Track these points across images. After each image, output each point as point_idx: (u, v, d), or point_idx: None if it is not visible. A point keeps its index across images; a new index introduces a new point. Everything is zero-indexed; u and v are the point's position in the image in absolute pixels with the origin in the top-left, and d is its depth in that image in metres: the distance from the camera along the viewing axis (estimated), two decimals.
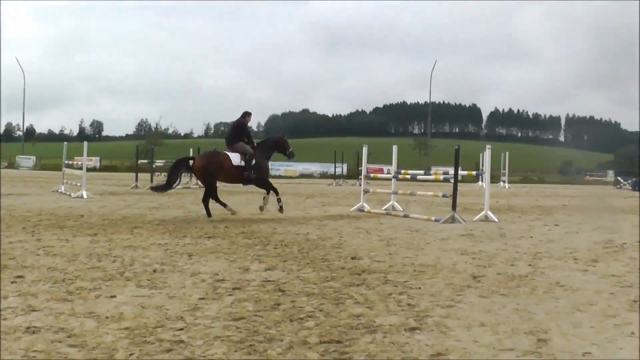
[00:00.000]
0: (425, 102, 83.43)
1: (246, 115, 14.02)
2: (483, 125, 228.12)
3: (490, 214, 12.68)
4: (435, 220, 12.10)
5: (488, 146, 13.78)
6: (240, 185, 14.21)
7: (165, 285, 5.36)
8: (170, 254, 7.24)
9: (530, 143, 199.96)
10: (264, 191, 13.33)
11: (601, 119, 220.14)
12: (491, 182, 15.15)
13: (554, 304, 4.94)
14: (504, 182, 37.22)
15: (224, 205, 13.02)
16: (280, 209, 13.28)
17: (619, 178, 44.80)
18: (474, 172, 18.03)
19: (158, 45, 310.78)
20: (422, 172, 16.34)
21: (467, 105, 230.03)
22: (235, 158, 13.03)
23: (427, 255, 7.60)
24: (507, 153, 37.96)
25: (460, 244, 8.89)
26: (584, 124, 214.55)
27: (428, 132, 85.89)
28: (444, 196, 13.31)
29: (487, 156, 13.57)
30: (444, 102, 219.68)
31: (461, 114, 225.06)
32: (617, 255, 7.89)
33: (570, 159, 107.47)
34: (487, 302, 4.96)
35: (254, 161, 13.18)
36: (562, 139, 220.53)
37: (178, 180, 13.31)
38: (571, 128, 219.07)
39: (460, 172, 14.25)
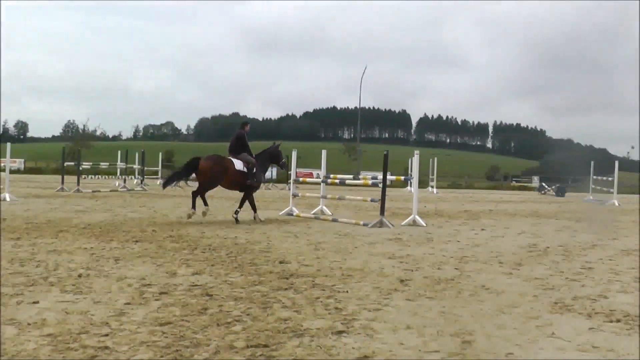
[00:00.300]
0: (355, 107, 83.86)
1: (244, 125, 14.74)
2: (412, 130, 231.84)
3: (418, 218, 12.84)
4: (364, 225, 12.20)
5: (416, 152, 13.97)
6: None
7: (91, 290, 5.23)
8: (96, 258, 7.07)
9: (458, 149, 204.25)
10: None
11: (527, 126, 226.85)
12: (420, 187, 15.34)
13: (479, 306, 5.04)
14: (432, 187, 37.75)
15: (206, 204, 13.26)
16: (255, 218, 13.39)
17: (544, 184, 46.12)
18: (403, 177, 18.22)
19: (86, 45, 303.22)
20: (351, 176, 16.40)
21: (397, 111, 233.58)
22: (239, 164, 13.55)
23: (355, 259, 7.65)
24: (435, 158, 38.56)
25: (388, 248, 8.98)
26: (511, 131, 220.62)
27: (357, 137, 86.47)
28: (372, 201, 13.44)
29: (415, 161, 13.74)
30: (374, 107, 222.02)
31: (391, 119, 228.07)
32: (540, 259, 8.11)
33: (497, 165, 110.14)
34: (414, 305, 5.02)
35: (254, 170, 13.72)
36: (489, 145, 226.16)
37: (182, 178, 13.66)
38: (499, 135, 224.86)
39: (389, 177, 14.41)
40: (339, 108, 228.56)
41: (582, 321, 4.64)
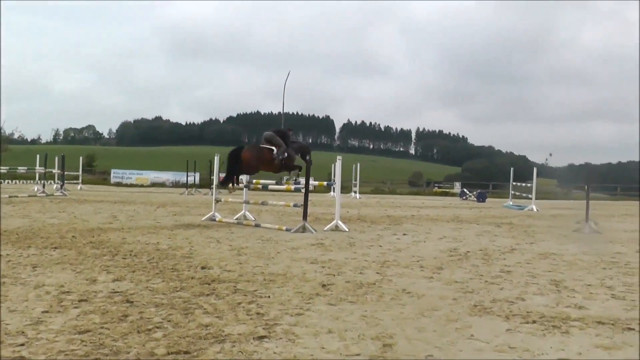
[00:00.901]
0: (279, 112, 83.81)
1: (290, 129, 16.17)
2: (336, 136, 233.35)
3: (340, 223, 12.94)
4: (287, 230, 12.21)
5: (339, 157, 14.12)
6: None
7: (6, 298, 5.06)
8: (12, 266, 6.86)
9: (382, 155, 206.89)
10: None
11: (450, 133, 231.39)
12: (343, 192, 15.46)
13: (400, 310, 5.12)
14: (355, 192, 38.07)
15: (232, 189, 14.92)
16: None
17: (465, 190, 46.97)
18: (326, 183, 18.37)
19: (3, 45, 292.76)
20: (274, 182, 16.37)
21: (321, 117, 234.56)
22: (275, 151, 14.73)
23: (278, 264, 7.67)
24: (358, 164, 38.93)
25: (310, 253, 9.02)
26: (433, 137, 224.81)
27: None
28: (295, 206, 13.46)
29: (338, 167, 13.86)
30: (297, 113, 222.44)
31: (315, 125, 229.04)
32: (460, 263, 8.28)
33: (420, 171, 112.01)
34: (336, 310, 5.06)
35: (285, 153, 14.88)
36: (412, 151, 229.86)
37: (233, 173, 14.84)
38: (421, 141, 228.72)
39: (312, 183, 14.49)
40: (262, 113, 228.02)
41: (500, 323, 4.77)
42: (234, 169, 14.81)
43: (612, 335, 4.50)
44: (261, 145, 15.14)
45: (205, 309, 4.90)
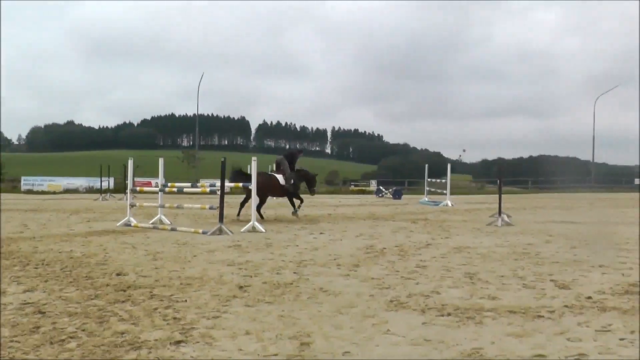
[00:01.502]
0: (194, 114, 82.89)
1: (299, 151, 19.75)
2: (252, 137, 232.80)
3: (257, 224, 12.92)
4: (203, 233, 12.10)
5: (254, 158, 14.07)
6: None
7: None
8: None
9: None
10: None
11: (365, 131, 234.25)
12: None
13: (317, 308, 5.15)
14: None
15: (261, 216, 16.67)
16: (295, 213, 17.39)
17: (381, 187, 47.46)
18: (242, 184, 18.24)
19: None
20: (189, 184, 16.21)
21: (236, 118, 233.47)
22: (280, 178, 17.36)
23: (194, 268, 7.59)
24: (274, 165, 38.94)
25: (227, 255, 8.97)
26: (349, 136, 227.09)
27: (196, 145, 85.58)
28: (211, 208, 13.35)
29: (253, 168, 13.84)
30: (213, 114, 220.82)
31: (230, 126, 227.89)
32: (377, 260, 8.36)
33: (336, 170, 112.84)
34: (253, 311, 5.05)
35: (292, 182, 17.67)
36: (328, 150, 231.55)
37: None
38: (337, 140, 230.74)
39: (228, 184, 14.40)
40: (177, 115, 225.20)
41: (416, 317, 4.83)
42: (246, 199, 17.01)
43: (523, 324, 4.65)
44: (269, 173, 17.99)
45: (120, 316, 4.79)
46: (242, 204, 17.11)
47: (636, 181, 78.62)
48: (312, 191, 18.97)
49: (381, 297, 5.67)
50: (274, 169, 18.55)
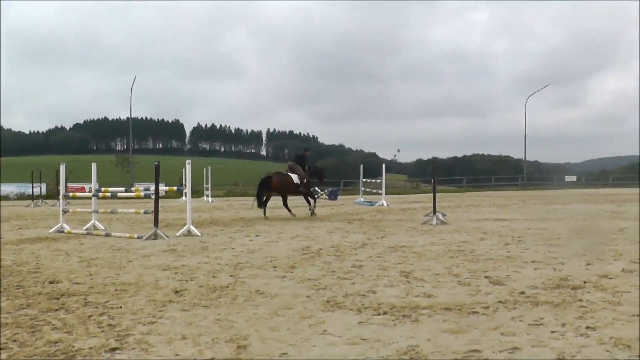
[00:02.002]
0: (128, 118, 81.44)
1: (306, 150, 22.30)
2: (186, 140, 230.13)
3: (192, 228, 12.79)
4: (138, 238, 11.92)
5: (188, 161, 13.99)
6: None
7: None
8: None
9: (233, 157, 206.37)
10: None
11: (300, 133, 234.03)
12: (195, 196, 15.28)
13: (254, 311, 5.13)
14: (207, 196, 37.76)
15: (290, 210, 19.42)
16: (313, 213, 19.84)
17: (317, 188, 47.06)
18: (176, 188, 18.06)
19: None
20: (123, 189, 15.99)
21: (170, 121, 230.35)
22: (295, 177, 19.65)
23: (129, 274, 7.49)
24: (209, 167, 38.63)
25: (162, 259, 8.87)
26: (284, 138, 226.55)
27: (130, 149, 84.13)
28: (145, 213, 13.17)
29: (188, 171, 13.73)
30: (146, 117, 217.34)
31: (164, 129, 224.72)
32: (313, 261, 8.37)
33: (272, 171, 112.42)
34: (189, 315, 5.01)
35: (305, 181, 20.11)
36: (264, 152, 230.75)
37: (264, 197, 19.69)
38: (272, 142, 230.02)
39: (163, 188, 14.22)
40: (110, 119, 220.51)
41: (352, 316, 4.87)
42: (263, 191, 19.62)
43: (458, 320, 4.70)
44: (286, 173, 19.93)
45: (54, 324, 4.68)
46: (264, 204, 19.39)
47: (567, 178, 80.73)
48: (323, 182, 22.11)
49: (318, 297, 5.67)
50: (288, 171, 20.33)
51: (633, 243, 10.09)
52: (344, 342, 4.07)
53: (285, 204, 19.77)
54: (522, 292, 5.84)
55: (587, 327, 4.40)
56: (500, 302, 5.40)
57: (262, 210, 19.14)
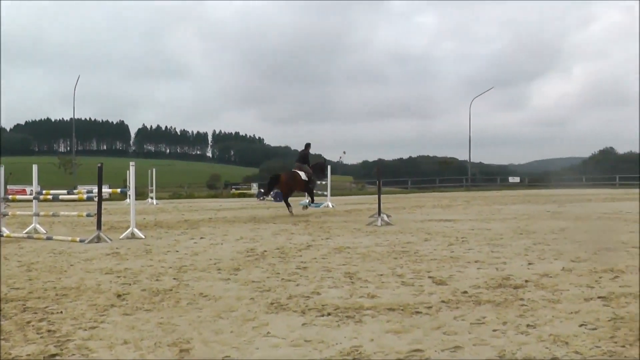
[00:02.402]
0: (71, 119, 79.90)
1: (308, 146, 22.50)
2: (131, 142, 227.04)
3: (136, 230, 12.61)
4: (80, 241, 11.69)
5: (132, 163, 13.82)
6: None
7: None
8: None
9: (179, 159, 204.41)
10: None
11: (246, 134, 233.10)
12: (138, 199, 15.08)
13: (197, 314, 5.09)
14: (152, 198, 37.31)
15: (289, 206, 20.72)
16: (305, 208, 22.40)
17: (262, 190, 46.63)
18: (119, 190, 17.80)
19: None
20: (65, 191, 15.65)
21: (115, 122, 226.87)
22: (303, 175, 21.12)
23: (71, 278, 7.33)
24: (154, 169, 38.16)
25: (105, 263, 8.72)
26: (230, 139, 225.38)
27: (73, 150, 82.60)
28: (88, 215, 12.94)
29: (131, 173, 13.55)
30: (90, 118, 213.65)
31: (109, 130, 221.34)
32: (257, 263, 8.32)
33: (217, 173, 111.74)
34: (131, 319, 4.95)
35: (312, 177, 21.64)
36: (209, 154, 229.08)
37: (272, 190, 21.84)
38: (218, 144, 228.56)
39: (106, 190, 14.01)
40: (53, 120, 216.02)
41: (296, 318, 4.87)
42: (272, 186, 21.38)
43: (401, 320, 4.72)
44: (294, 171, 21.32)
45: None
46: (286, 201, 21.09)
47: (510, 179, 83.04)
48: (325, 175, 24.00)
49: (262, 299, 5.64)
50: (299, 162, 21.85)
51: (572, 242, 10.33)
52: (288, 344, 4.06)
53: (286, 199, 21.09)
54: (465, 292, 5.89)
55: (528, 325, 4.48)
56: (443, 301, 5.44)
57: (288, 207, 20.79)
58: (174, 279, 7.09)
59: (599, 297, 5.53)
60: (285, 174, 21.16)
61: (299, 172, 21.15)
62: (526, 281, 6.47)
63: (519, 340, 4.08)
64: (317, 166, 22.72)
